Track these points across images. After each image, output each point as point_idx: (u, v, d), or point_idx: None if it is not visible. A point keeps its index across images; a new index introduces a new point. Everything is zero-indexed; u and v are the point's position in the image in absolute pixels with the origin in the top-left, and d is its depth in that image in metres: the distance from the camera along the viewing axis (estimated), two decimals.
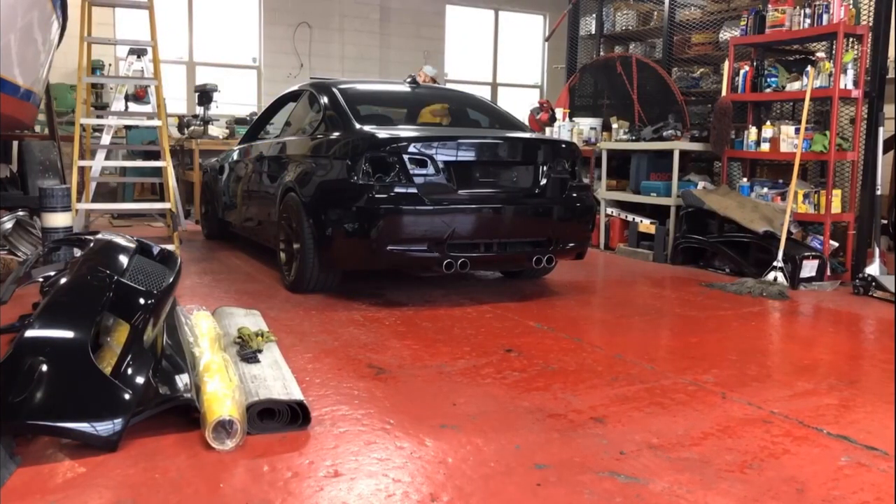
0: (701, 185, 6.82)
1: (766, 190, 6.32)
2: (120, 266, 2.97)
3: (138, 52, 8.02)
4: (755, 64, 6.52)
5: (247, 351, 3.10)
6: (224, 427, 2.42)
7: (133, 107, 8.47)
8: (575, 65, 9.10)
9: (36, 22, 5.46)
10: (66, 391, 2.41)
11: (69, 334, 2.55)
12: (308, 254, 4.72)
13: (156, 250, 3.49)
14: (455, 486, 2.22)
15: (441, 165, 4.50)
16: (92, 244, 3.30)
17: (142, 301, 2.82)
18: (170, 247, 4.98)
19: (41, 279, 3.55)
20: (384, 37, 12.02)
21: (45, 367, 2.41)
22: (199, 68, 10.76)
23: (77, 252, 3.56)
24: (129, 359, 2.58)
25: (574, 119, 8.39)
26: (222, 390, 2.57)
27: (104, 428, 2.37)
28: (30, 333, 2.52)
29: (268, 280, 5.30)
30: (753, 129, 6.44)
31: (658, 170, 7.12)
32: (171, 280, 3.13)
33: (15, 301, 3.74)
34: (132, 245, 3.31)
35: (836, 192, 5.92)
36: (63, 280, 2.91)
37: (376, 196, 4.36)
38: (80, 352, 2.48)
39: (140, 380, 2.54)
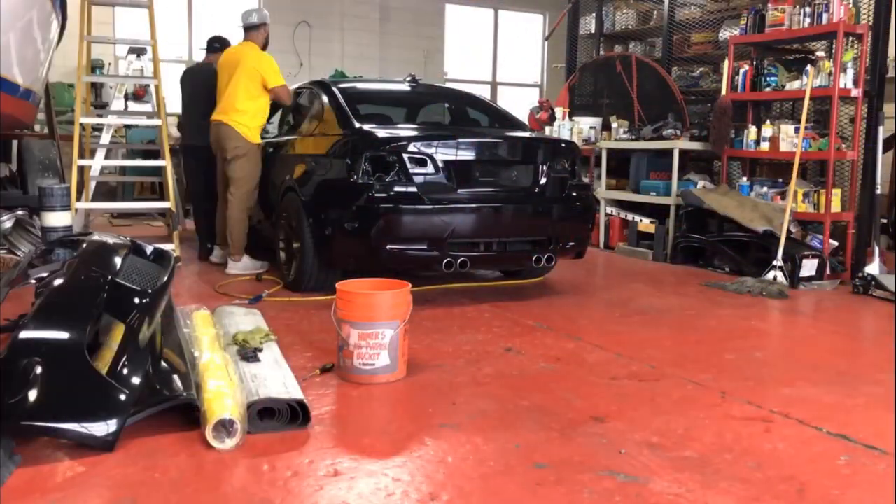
0: (700, 184, 6.82)
1: (765, 189, 6.31)
2: (114, 266, 2.97)
3: (138, 51, 8.00)
4: (755, 63, 6.52)
5: (247, 350, 3.10)
6: (224, 426, 2.42)
7: (133, 106, 8.45)
8: (575, 64, 9.09)
9: (35, 21, 5.46)
10: (61, 391, 2.40)
11: (64, 335, 2.54)
12: (308, 253, 4.72)
13: (149, 250, 3.48)
14: (455, 485, 2.22)
15: (441, 164, 4.50)
16: (85, 245, 3.30)
17: (136, 300, 2.82)
18: (169, 246, 4.98)
19: (34, 280, 3.54)
20: (384, 36, 12.01)
21: (40, 368, 2.40)
22: None
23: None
24: (124, 358, 2.58)
25: (574, 118, 8.38)
26: (223, 389, 2.57)
27: (100, 428, 2.36)
28: (24, 334, 2.51)
29: (268, 279, 5.29)
30: (753, 129, 6.44)
31: (658, 169, 7.11)
32: (166, 279, 3.13)
33: (16, 300, 3.73)
34: (126, 245, 3.31)
35: (836, 192, 5.92)
36: (57, 280, 2.90)
37: (376, 195, 4.36)
38: (76, 352, 2.48)
39: (136, 379, 2.54)
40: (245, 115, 5.37)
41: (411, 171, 4.44)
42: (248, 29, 5.57)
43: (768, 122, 6.47)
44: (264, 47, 5.62)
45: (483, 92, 11.97)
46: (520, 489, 2.20)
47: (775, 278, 5.41)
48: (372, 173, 4.42)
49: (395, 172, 4.43)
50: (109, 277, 2.84)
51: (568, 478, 2.27)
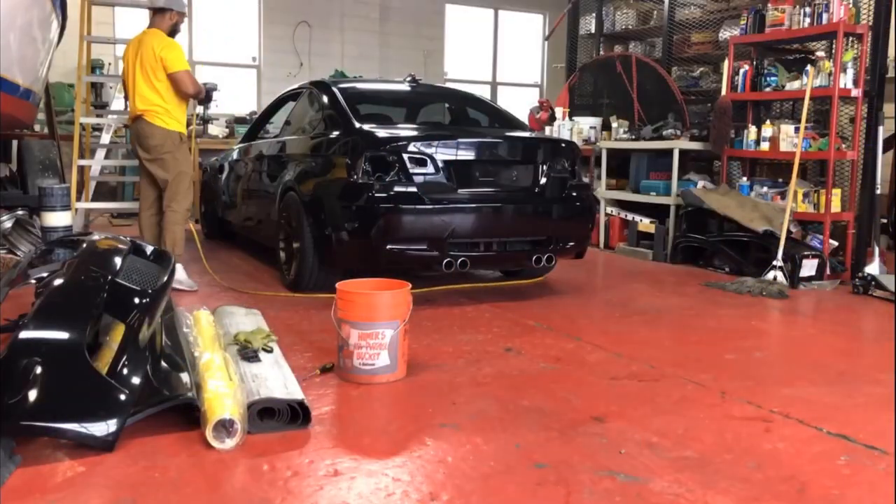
0: (700, 184, 6.82)
1: (765, 189, 6.31)
2: (114, 266, 2.97)
3: None
4: (755, 63, 6.52)
5: (248, 350, 3.10)
6: (224, 426, 2.42)
7: None
8: (575, 64, 9.10)
9: (35, 21, 5.46)
10: (61, 392, 2.40)
11: (64, 335, 2.54)
12: (308, 253, 4.72)
13: (149, 250, 3.49)
14: (455, 485, 2.22)
15: (441, 164, 4.50)
16: (85, 245, 3.30)
17: (136, 300, 2.82)
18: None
19: (33, 280, 3.55)
20: (384, 36, 12.01)
21: (40, 368, 2.40)
22: (198, 67, 10.74)
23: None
24: (124, 358, 2.58)
25: (574, 118, 8.38)
26: (223, 389, 2.57)
27: (100, 428, 2.36)
28: (24, 335, 2.51)
29: (268, 279, 5.30)
30: (753, 129, 6.44)
31: (658, 169, 7.12)
32: (166, 279, 3.13)
33: (16, 300, 3.73)
34: (125, 245, 3.31)
35: (836, 192, 5.92)
36: (57, 281, 2.90)
37: (376, 195, 4.36)
38: (75, 352, 2.48)
39: (136, 379, 2.54)
40: (161, 104, 4.84)
41: (411, 171, 4.44)
42: (155, 13, 4.96)
43: (768, 122, 6.47)
44: (172, 36, 4.97)
45: (483, 92, 11.97)
46: (520, 489, 2.20)
47: (775, 278, 5.41)
48: (372, 173, 4.42)
49: (395, 172, 4.43)
50: (109, 277, 2.84)
51: (568, 478, 2.27)
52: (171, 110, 4.90)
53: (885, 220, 7.00)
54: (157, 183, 5.03)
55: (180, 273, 4.85)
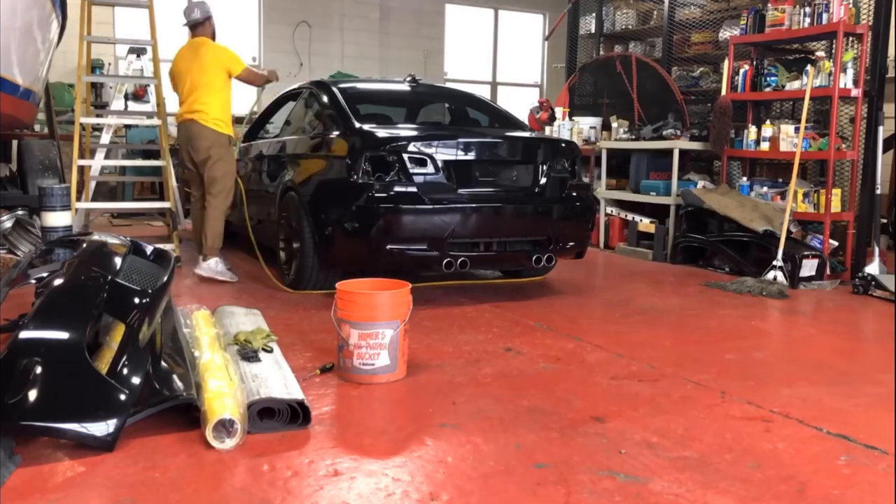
0: (700, 184, 6.82)
1: (765, 189, 6.32)
2: (114, 266, 2.97)
3: (138, 51, 8.02)
4: (755, 63, 6.52)
5: (248, 349, 3.10)
6: (224, 426, 2.42)
7: (133, 106, 8.47)
8: (575, 64, 9.10)
9: (35, 21, 5.46)
10: (61, 391, 2.40)
11: (64, 335, 2.54)
12: (308, 253, 4.72)
13: (149, 250, 3.48)
14: (455, 485, 2.22)
15: (441, 164, 4.50)
16: (85, 245, 3.30)
17: (136, 300, 2.82)
18: (169, 246, 4.98)
19: (33, 280, 3.55)
20: (384, 36, 12.02)
21: (39, 368, 2.40)
22: None
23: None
24: (124, 358, 2.58)
25: (574, 118, 8.39)
26: (223, 389, 2.57)
27: (100, 428, 2.36)
28: (24, 334, 2.51)
29: (267, 279, 5.29)
30: (753, 129, 6.44)
31: (658, 169, 7.12)
32: (166, 279, 3.13)
33: (16, 300, 3.73)
34: (126, 245, 3.31)
35: (836, 192, 5.92)
36: (57, 281, 2.90)
37: (376, 195, 4.36)
38: (75, 352, 2.48)
39: (136, 380, 2.54)
40: (214, 110, 5.31)
41: (411, 171, 4.44)
42: (194, 26, 5.49)
43: (768, 122, 6.47)
44: (213, 39, 5.56)
45: (483, 92, 11.97)
46: (520, 489, 2.20)
47: (775, 278, 5.41)
48: (372, 173, 4.42)
49: (395, 172, 4.43)
50: (109, 277, 2.84)
51: (568, 478, 2.27)
52: (220, 115, 5.33)
53: (885, 220, 7.01)
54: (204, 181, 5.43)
55: (219, 265, 5.29)
